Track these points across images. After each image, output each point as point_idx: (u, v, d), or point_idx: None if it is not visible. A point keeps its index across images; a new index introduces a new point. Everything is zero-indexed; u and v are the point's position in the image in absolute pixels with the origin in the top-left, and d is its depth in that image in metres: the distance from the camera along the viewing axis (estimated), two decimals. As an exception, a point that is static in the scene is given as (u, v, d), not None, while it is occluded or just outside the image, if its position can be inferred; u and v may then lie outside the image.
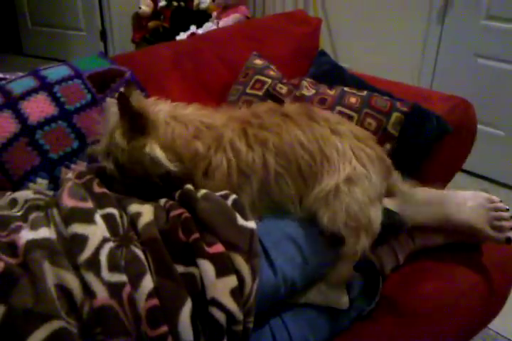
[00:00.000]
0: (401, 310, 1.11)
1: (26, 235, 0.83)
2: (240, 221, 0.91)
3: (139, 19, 3.58)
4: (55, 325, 0.74)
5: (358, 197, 0.97)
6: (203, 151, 0.98)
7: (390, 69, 2.50)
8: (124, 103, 0.94)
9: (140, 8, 3.46)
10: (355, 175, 0.98)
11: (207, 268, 0.84)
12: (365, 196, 0.97)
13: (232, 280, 0.84)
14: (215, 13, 3.32)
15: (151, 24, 3.48)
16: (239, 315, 0.84)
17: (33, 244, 0.81)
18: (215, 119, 1.03)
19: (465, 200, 1.16)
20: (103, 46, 3.90)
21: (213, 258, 0.84)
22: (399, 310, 1.10)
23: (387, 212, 1.08)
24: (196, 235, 0.87)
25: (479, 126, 1.57)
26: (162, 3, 3.42)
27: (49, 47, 4.14)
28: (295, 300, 1.02)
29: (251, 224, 0.91)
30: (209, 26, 3.25)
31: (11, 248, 0.82)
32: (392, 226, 1.09)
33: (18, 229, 0.85)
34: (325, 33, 1.81)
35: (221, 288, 0.83)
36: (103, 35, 3.87)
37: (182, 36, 3.24)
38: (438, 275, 1.18)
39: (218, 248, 0.86)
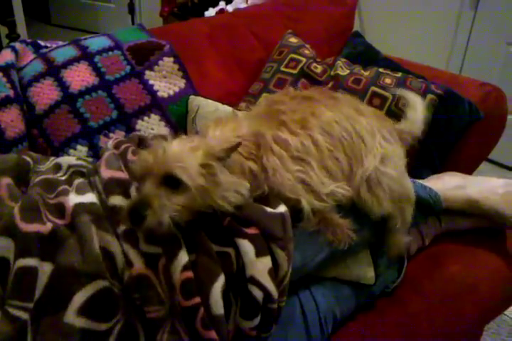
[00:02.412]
0: (424, 290, 1.14)
1: (74, 198, 0.87)
2: (268, 209, 0.92)
3: (167, -7, 3.56)
4: (101, 284, 0.78)
5: (393, 174, 1.00)
6: (257, 169, 0.93)
7: (419, 54, 2.48)
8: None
9: (169, -19, 3.44)
10: (386, 154, 1.02)
11: (247, 247, 0.86)
12: (398, 170, 1.02)
13: (269, 261, 0.87)
14: (244, -10, 3.29)
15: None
16: (275, 293, 0.86)
17: (80, 207, 0.85)
18: (245, 126, 0.97)
19: (495, 187, 1.19)
20: (130, 19, 3.90)
21: (252, 239, 0.87)
22: (422, 290, 1.14)
23: (428, 189, 1.13)
24: (229, 218, 0.89)
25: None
26: (192, -22, 3.40)
27: (77, 17, 4.15)
28: (323, 273, 1.06)
29: (280, 209, 0.92)
30: (238, 2, 3.23)
31: (59, 209, 0.86)
32: (430, 203, 1.13)
33: (66, 192, 0.89)
34: (355, 15, 1.82)
35: (260, 268, 0.85)
36: (131, 8, 3.86)
37: (210, 11, 3.22)
38: (461, 258, 1.21)
39: (254, 229, 0.88)
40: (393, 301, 1.13)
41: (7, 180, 0.87)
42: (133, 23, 3.90)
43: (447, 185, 1.20)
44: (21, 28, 3.23)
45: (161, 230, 0.81)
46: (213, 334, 0.80)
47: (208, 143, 0.88)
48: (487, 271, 1.19)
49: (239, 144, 0.87)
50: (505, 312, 1.74)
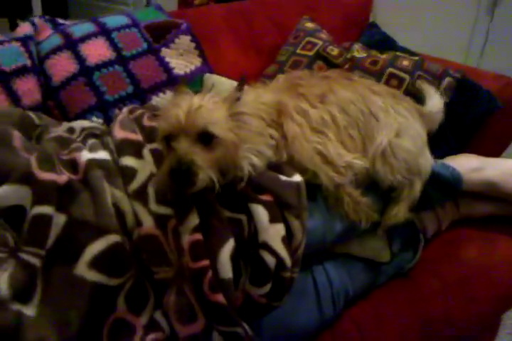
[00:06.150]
0: (440, 272, 1.11)
1: (86, 155, 0.86)
2: (283, 177, 0.91)
3: (184, -4, 3.60)
4: (113, 238, 0.77)
5: (409, 148, 1.01)
6: (277, 136, 0.94)
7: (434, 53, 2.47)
8: None
9: (187, -15, 3.47)
10: (401, 129, 1.03)
11: (260, 212, 0.85)
12: (414, 145, 1.02)
13: (282, 228, 0.85)
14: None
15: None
16: (288, 261, 0.84)
17: (93, 163, 0.84)
18: (267, 96, 0.97)
19: None
20: (147, 20, 3.93)
21: (266, 205, 0.85)
22: (437, 272, 1.11)
23: (450, 169, 1.12)
24: (243, 184, 0.88)
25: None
26: (209, -19, 3.43)
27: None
28: (337, 249, 1.04)
29: (296, 178, 0.91)
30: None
31: (72, 165, 0.85)
32: (450, 182, 1.11)
33: (79, 149, 0.89)
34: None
35: (273, 233, 0.84)
36: (148, 10, 3.90)
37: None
38: (478, 242, 1.18)
39: (268, 196, 0.87)
40: (407, 282, 1.10)
41: (18, 133, 0.87)
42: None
43: (463, 167, 1.17)
44: (39, 25, 3.29)
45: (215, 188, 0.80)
46: (220, 297, 0.79)
47: (224, 97, 0.87)
48: (504, 256, 1.16)
49: (244, 80, 0.87)
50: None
